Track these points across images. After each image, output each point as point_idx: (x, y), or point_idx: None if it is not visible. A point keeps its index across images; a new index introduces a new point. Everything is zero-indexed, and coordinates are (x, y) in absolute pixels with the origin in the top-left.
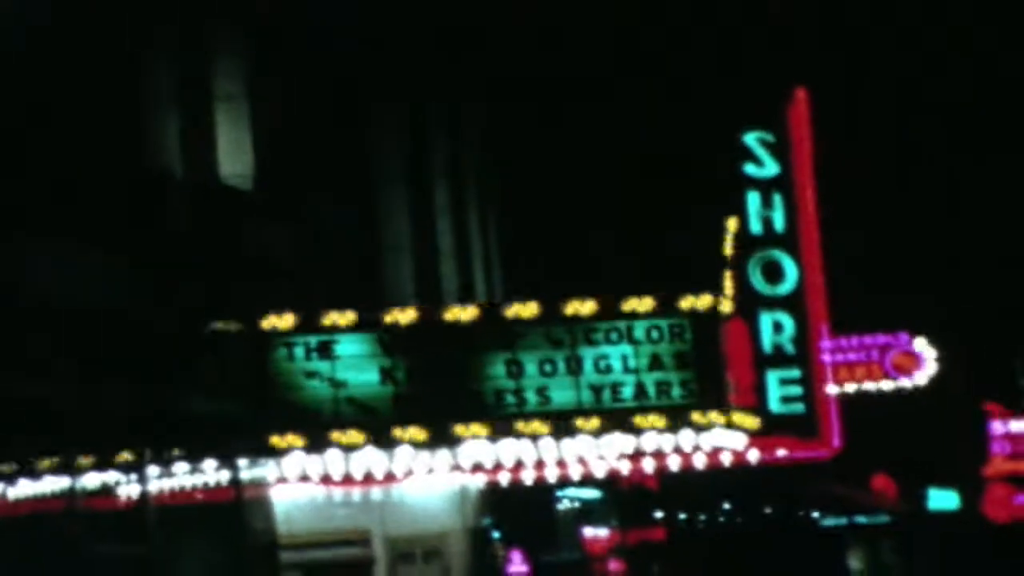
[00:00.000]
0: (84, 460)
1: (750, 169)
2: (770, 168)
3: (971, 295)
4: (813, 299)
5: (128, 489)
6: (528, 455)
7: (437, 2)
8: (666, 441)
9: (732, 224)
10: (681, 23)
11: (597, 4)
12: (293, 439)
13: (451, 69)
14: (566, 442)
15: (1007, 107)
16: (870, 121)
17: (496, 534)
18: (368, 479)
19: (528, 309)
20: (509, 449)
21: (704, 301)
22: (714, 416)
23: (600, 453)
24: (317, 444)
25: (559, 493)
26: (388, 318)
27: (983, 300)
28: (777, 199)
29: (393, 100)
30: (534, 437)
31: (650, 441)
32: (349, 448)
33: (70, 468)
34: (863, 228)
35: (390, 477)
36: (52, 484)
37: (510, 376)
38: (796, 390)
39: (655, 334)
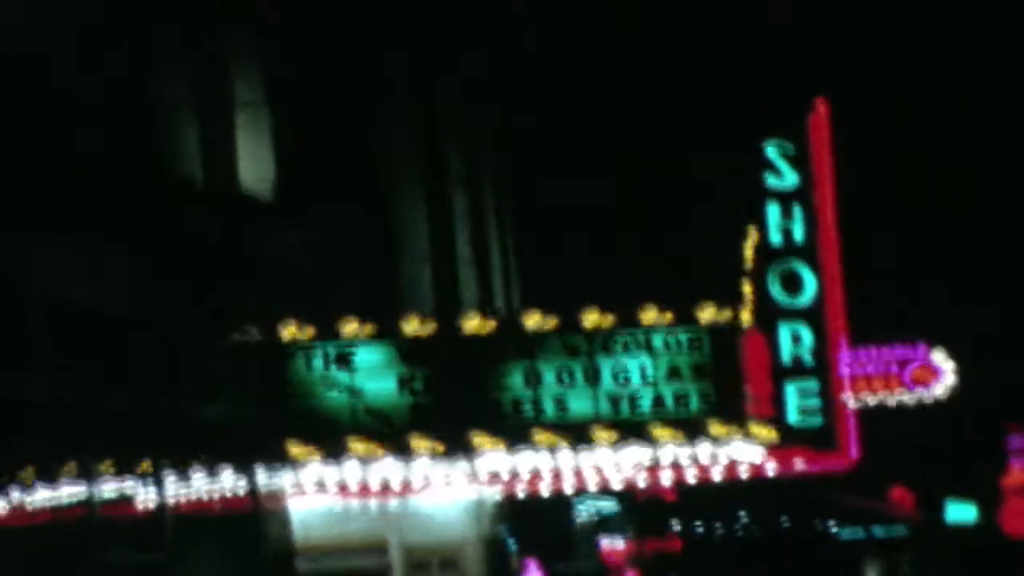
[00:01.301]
0: (101, 468)
1: (770, 180)
2: (790, 179)
3: (991, 305)
4: (832, 310)
5: (145, 497)
6: (545, 465)
7: (456, 7)
8: (683, 452)
9: (751, 235)
10: (700, 34)
11: (617, 10)
12: (311, 450)
13: (469, 75)
14: (583, 453)
15: None
16: (894, 127)
17: (512, 544)
18: (385, 489)
19: (546, 319)
20: (526, 459)
21: (723, 312)
22: (732, 427)
23: (617, 464)
24: (336, 453)
25: (576, 503)
26: (406, 327)
27: (1004, 311)
28: (797, 210)
29: (412, 107)
30: (552, 447)
31: (667, 452)
32: (367, 457)
33: (87, 476)
34: (884, 238)
35: (407, 487)
36: (69, 492)
37: (528, 385)
38: (814, 402)
39: (673, 345)
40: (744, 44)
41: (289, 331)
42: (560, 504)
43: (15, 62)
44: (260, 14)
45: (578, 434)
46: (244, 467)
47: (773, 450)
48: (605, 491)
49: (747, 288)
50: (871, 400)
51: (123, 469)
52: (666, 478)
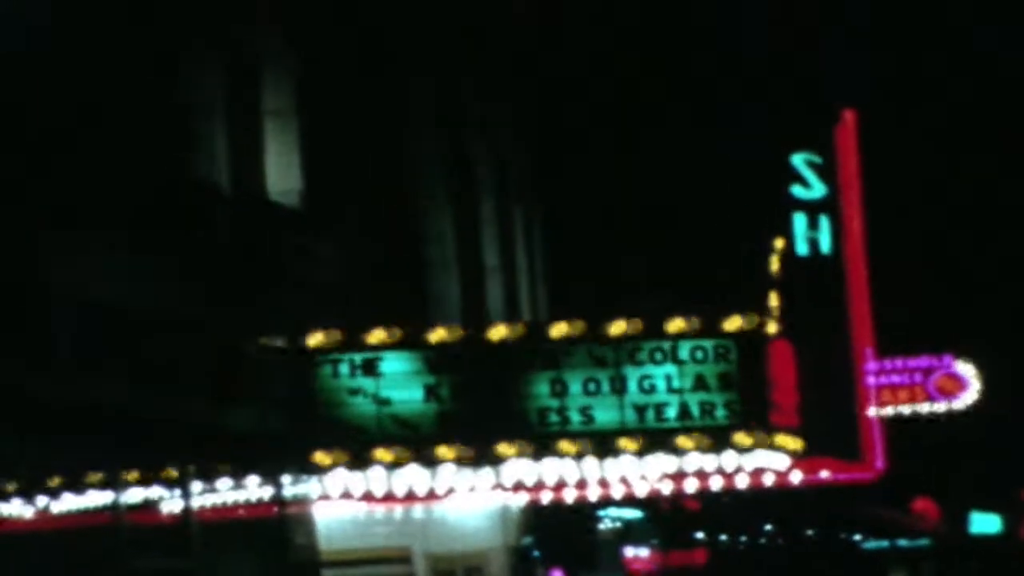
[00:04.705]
0: (128, 475)
1: (797, 191)
2: (817, 190)
3: (1016, 316)
4: (859, 321)
5: (171, 504)
6: (570, 474)
7: (489, 16)
8: (709, 462)
9: (779, 245)
10: (730, 44)
11: (647, 23)
12: (338, 456)
13: (498, 83)
14: (609, 462)
15: None
16: (917, 135)
17: (537, 553)
18: (410, 497)
19: (573, 328)
20: (552, 468)
21: (749, 322)
22: (757, 437)
23: (642, 473)
24: (361, 461)
25: (600, 512)
26: (433, 336)
27: None
28: (824, 221)
29: (440, 115)
30: (577, 456)
31: (693, 462)
32: (393, 465)
33: (114, 482)
34: (909, 247)
35: (432, 495)
36: (96, 498)
37: (554, 395)
38: (840, 412)
39: (700, 354)
40: (772, 54)
41: (316, 339)
42: (585, 513)
43: (44, 63)
44: (291, 20)
45: (604, 443)
46: (270, 474)
47: (798, 460)
48: (630, 501)
49: (773, 298)
50: (897, 410)
51: (149, 475)
52: (691, 487)
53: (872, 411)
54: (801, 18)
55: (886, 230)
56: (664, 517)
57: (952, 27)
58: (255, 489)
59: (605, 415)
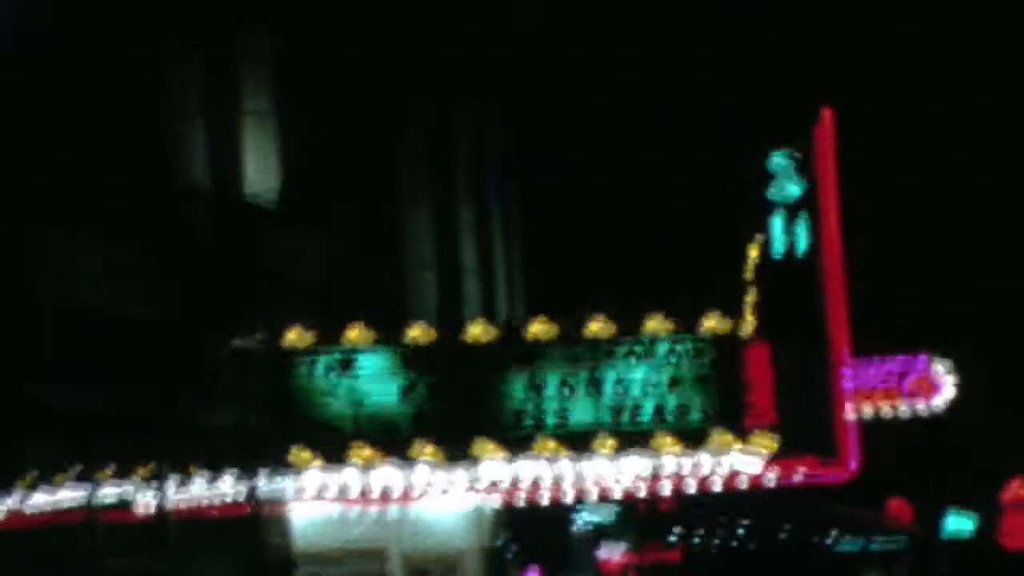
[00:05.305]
0: (102, 472)
1: (775, 190)
2: (795, 189)
3: (992, 317)
4: (835, 321)
5: (146, 502)
6: (545, 475)
7: (469, 16)
8: (684, 462)
9: (754, 245)
10: (707, 43)
11: (624, 20)
12: (310, 456)
13: (478, 85)
14: (584, 463)
15: None
16: (891, 135)
17: (512, 553)
18: (385, 496)
19: (549, 328)
20: (527, 468)
21: (725, 323)
22: (733, 438)
23: (617, 474)
24: (336, 460)
25: (575, 513)
26: (410, 335)
27: (1005, 322)
28: (801, 221)
29: (419, 116)
30: (552, 457)
31: (668, 463)
32: (368, 465)
33: (88, 480)
34: (884, 246)
35: (407, 494)
36: (70, 496)
37: (529, 395)
38: (815, 413)
39: (676, 356)
40: (751, 53)
41: (293, 337)
42: (560, 513)
43: (27, 65)
44: (269, 22)
45: (579, 443)
46: (245, 473)
47: (773, 460)
48: (604, 500)
49: (750, 297)
50: (872, 412)
51: (124, 474)
52: (666, 488)
53: (848, 412)
54: (801, 18)
55: (883, 232)
56: (639, 517)
57: (952, 27)
58: (230, 487)
59: (581, 416)
